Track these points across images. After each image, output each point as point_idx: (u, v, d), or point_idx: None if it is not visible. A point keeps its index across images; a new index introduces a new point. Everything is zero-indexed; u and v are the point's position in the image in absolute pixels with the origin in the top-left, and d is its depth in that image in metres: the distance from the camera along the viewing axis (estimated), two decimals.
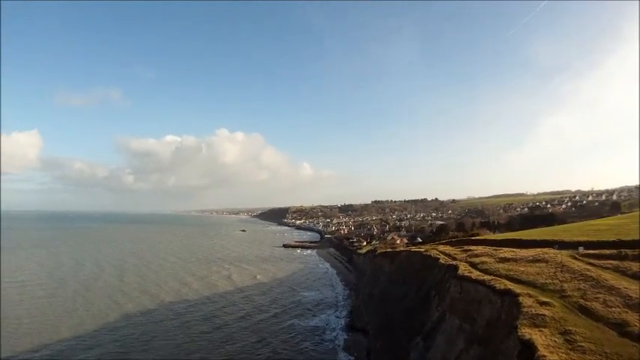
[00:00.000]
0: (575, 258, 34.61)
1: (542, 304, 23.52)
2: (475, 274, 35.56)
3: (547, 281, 28.49)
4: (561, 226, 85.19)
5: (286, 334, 72.17)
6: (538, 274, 31.03)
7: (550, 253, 38.13)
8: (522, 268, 33.88)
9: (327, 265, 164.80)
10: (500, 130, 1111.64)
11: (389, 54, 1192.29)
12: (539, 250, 41.37)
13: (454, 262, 44.10)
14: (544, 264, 33.96)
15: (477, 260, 42.38)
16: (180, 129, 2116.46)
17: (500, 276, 33.43)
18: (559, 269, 31.04)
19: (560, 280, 27.87)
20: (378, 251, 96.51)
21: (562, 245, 44.02)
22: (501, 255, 41.80)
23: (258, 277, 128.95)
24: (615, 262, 29.52)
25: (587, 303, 22.49)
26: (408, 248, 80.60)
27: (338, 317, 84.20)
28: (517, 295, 26.18)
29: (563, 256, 36.06)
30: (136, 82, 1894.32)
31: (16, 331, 70.63)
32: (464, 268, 39.09)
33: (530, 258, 37.36)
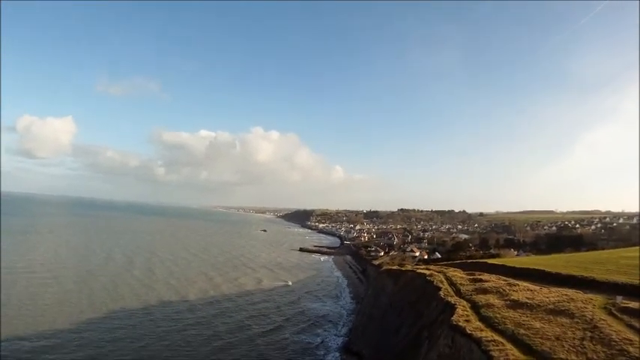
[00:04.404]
0: (611, 313, 25.22)
1: None
2: (473, 325, 26.54)
3: (569, 357, 19.23)
4: (591, 253, 75.77)
5: (277, 350, 65.42)
6: (558, 338, 21.67)
7: (578, 300, 28.65)
8: (538, 325, 24.52)
9: (340, 274, 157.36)
10: (536, 143, 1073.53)
11: (431, 62, 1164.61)
12: (564, 292, 31.77)
13: (453, 300, 34.97)
14: (568, 320, 24.60)
15: (482, 300, 33.13)
16: (214, 124, 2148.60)
17: (505, 333, 24.29)
18: (588, 333, 21.69)
19: (587, 358, 18.67)
20: (383, 267, 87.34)
21: (593, 286, 34.73)
22: (514, 296, 32.37)
23: (264, 281, 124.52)
24: None
25: None
26: (414, 268, 71.32)
27: (337, 335, 76.41)
28: None
29: (595, 307, 26.69)
30: (175, 74, 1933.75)
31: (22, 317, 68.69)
32: (462, 312, 30.06)
33: (551, 306, 27.96)
